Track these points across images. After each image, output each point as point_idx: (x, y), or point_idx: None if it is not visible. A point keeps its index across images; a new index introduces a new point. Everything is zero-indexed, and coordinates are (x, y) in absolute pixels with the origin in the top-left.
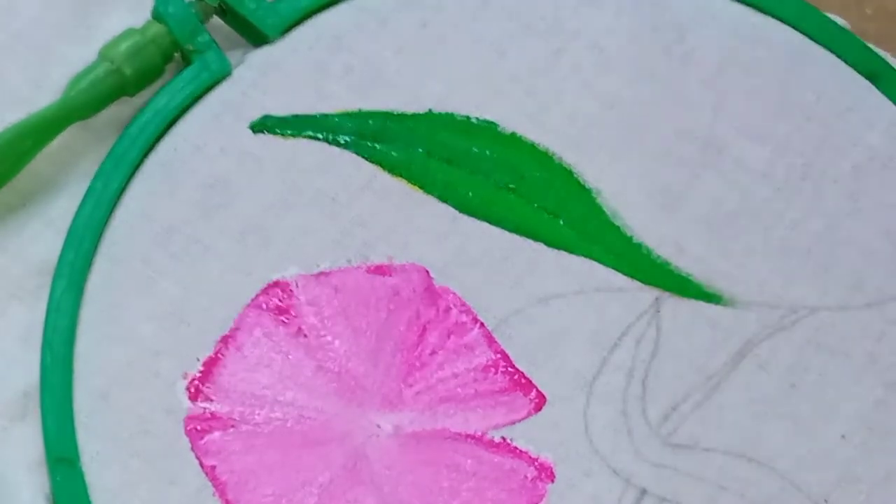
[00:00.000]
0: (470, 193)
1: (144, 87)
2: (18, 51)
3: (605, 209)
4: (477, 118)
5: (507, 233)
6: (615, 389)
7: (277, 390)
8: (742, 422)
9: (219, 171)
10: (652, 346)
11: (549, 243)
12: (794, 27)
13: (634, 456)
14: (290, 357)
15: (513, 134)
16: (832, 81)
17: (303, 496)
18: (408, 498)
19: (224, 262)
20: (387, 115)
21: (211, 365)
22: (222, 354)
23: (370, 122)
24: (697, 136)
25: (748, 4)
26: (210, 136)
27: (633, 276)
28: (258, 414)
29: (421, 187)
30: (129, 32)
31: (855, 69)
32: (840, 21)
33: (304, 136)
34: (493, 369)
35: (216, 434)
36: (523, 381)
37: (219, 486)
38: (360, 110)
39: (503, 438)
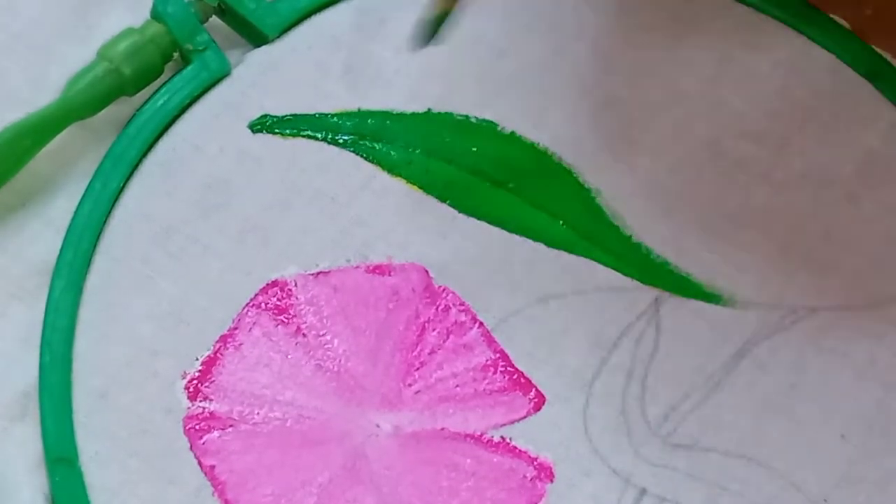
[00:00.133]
0: (469, 193)
1: (143, 86)
2: (18, 50)
3: (604, 209)
4: (476, 118)
5: (506, 232)
6: (615, 389)
7: (276, 390)
8: (742, 422)
9: (218, 170)
10: (651, 346)
11: (548, 243)
12: (793, 28)
13: (634, 456)
14: (289, 356)
15: (512, 133)
16: (832, 81)
17: (302, 496)
18: (407, 497)
19: (223, 262)
20: (386, 115)
21: (210, 364)
22: (221, 354)
23: (369, 121)
24: (697, 136)
25: (748, 5)
26: (209, 135)
27: (632, 276)
28: (257, 413)
29: (420, 187)
30: (128, 32)
31: (855, 69)
32: (840, 21)
33: (304, 136)
34: (492, 369)
35: (215, 433)
36: (523, 380)
37: (218, 486)
38: (359, 110)
39: (502, 438)
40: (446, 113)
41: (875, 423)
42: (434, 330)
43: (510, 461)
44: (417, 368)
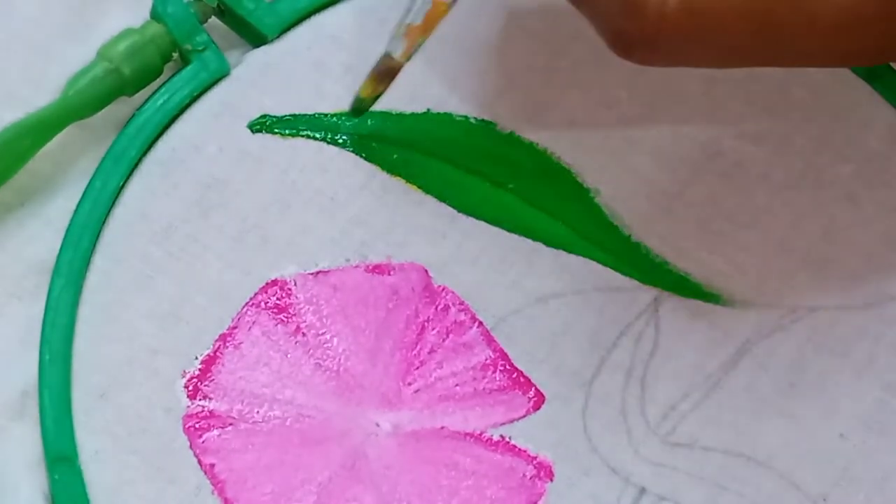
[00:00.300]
0: (468, 193)
1: (143, 86)
2: (17, 50)
3: (603, 209)
4: (475, 118)
5: (505, 232)
6: (614, 389)
7: (276, 389)
8: (741, 421)
9: (217, 170)
10: (651, 346)
11: (547, 243)
12: None
13: (633, 455)
14: (288, 356)
15: (511, 133)
16: (831, 83)
17: (302, 494)
18: (407, 496)
19: (222, 261)
20: (385, 115)
21: (209, 363)
22: (221, 353)
23: (369, 121)
24: (696, 136)
25: None
26: (208, 135)
27: (631, 276)
28: (257, 412)
29: (419, 186)
30: (128, 32)
31: (854, 70)
32: None
33: (303, 136)
34: (491, 368)
35: (215, 432)
36: (522, 379)
37: (217, 484)
38: None
39: (502, 437)
40: (446, 113)
41: (874, 422)
42: (433, 329)
43: (510, 460)
44: (417, 367)
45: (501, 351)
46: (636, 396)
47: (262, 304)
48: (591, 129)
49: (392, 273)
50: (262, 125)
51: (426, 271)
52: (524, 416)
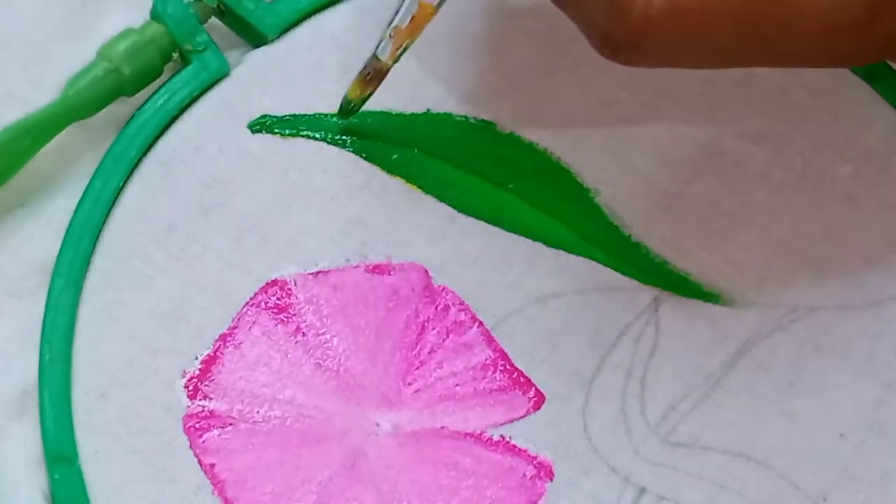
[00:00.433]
0: (468, 193)
1: (143, 86)
2: (17, 50)
3: (603, 209)
4: (475, 118)
5: (505, 232)
6: (614, 388)
7: (276, 389)
8: (741, 421)
9: (217, 170)
10: (651, 346)
11: (547, 243)
12: None
13: (633, 454)
14: (288, 355)
15: (511, 133)
16: (830, 83)
17: (302, 494)
18: (407, 496)
19: (223, 261)
20: (385, 115)
21: (210, 363)
22: (221, 353)
23: (369, 121)
24: (696, 136)
25: None
26: (209, 135)
27: (631, 276)
28: (257, 412)
29: (419, 187)
30: (128, 32)
31: (853, 70)
32: None
33: (303, 136)
34: (491, 368)
35: (215, 432)
36: (522, 379)
37: (217, 484)
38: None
39: (502, 437)
40: (445, 113)
41: (874, 422)
42: (434, 329)
43: (510, 460)
44: (417, 367)
45: (501, 351)
46: (636, 396)
47: (263, 304)
48: (591, 129)
49: (392, 273)
50: (263, 125)
51: (426, 271)
52: (524, 416)
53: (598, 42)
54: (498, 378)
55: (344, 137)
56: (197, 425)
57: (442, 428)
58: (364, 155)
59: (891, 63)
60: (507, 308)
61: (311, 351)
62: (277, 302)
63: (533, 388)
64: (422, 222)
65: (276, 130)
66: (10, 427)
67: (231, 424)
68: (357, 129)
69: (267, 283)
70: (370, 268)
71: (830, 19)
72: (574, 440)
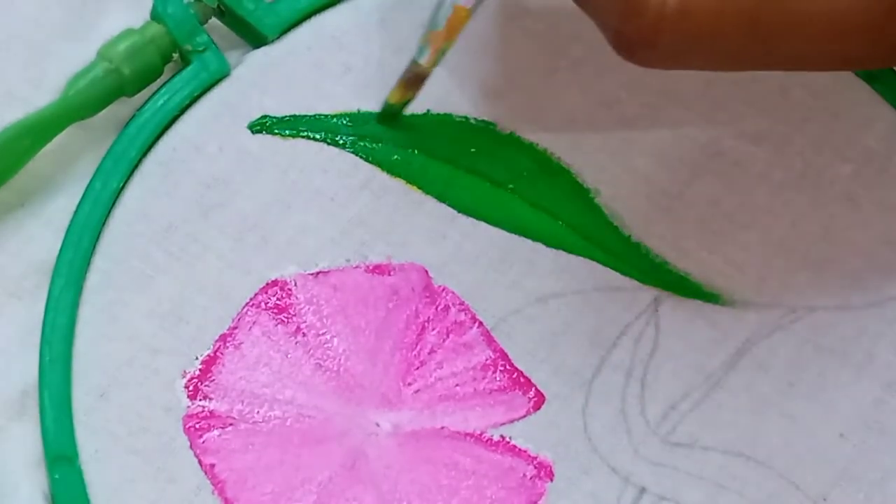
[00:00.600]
0: (468, 193)
1: (143, 87)
2: (17, 50)
3: (603, 209)
4: (475, 118)
5: (505, 232)
6: (614, 388)
7: (276, 389)
8: (741, 421)
9: (217, 170)
10: (651, 346)
11: (547, 243)
12: None
13: (633, 454)
14: (288, 356)
15: (511, 134)
16: (830, 83)
17: (302, 494)
18: (407, 496)
19: (223, 261)
20: None
21: (210, 363)
22: (221, 353)
23: (369, 122)
24: (696, 136)
25: None
26: (209, 135)
27: (631, 276)
28: (257, 412)
29: (419, 187)
30: (128, 32)
31: (853, 71)
32: None
33: (303, 136)
34: (491, 368)
35: (215, 432)
36: (522, 379)
37: (217, 484)
38: (358, 111)
39: (502, 437)
40: (445, 114)
41: (874, 421)
42: (434, 329)
43: (510, 460)
44: (417, 367)
45: (501, 351)
46: (636, 396)
47: (263, 305)
48: (591, 129)
49: (392, 273)
50: (263, 126)
51: (426, 271)
52: (524, 416)
53: (614, 40)
54: (498, 378)
55: (344, 138)
56: (197, 425)
57: (442, 428)
58: (364, 155)
59: None
60: (507, 308)
61: (312, 351)
62: (277, 302)
63: (533, 388)
64: (422, 222)
65: (277, 131)
66: (10, 427)
67: (231, 424)
68: (357, 129)
69: (267, 284)
70: (370, 268)
71: (844, 22)
72: (574, 440)
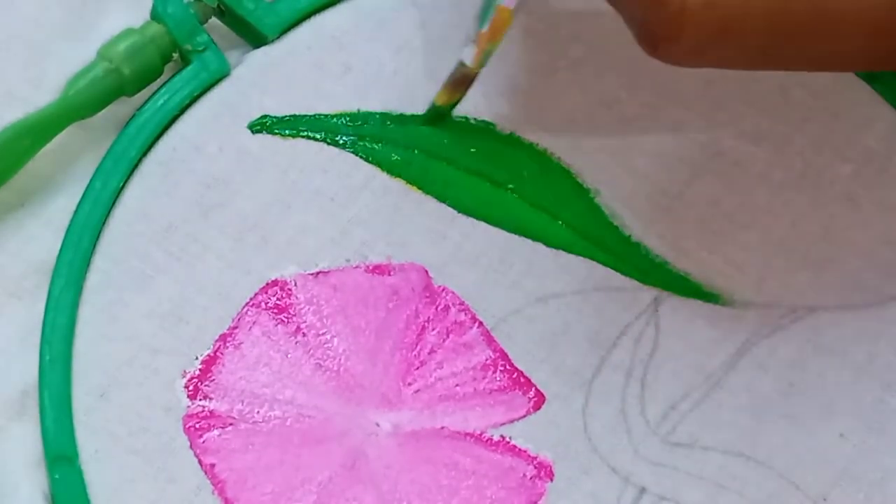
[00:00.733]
0: (468, 193)
1: (143, 87)
2: (16, 50)
3: (603, 209)
4: (475, 118)
5: (505, 232)
6: (614, 388)
7: (276, 389)
8: (741, 421)
9: (217, 170)
10: (651, 346)
11: (547, 243)
12: None
13: (633, 454)
14: (288, 356)
15: (511, 134)
16: (830, 83)
17: (302, 494)
18: (407, 496)
19: (223, 261)
20: (385, 116)
21: (210, 363)
22: (221, 353)
23: (369, 122)
24: (696, 136)
25: None
26: (209, 135)
27: (631, 276)
28: (257, 412)
29: (419, 187)
30: (128, 32)
31: (870, 71)
32: None
33: (303, 136)
34: (492, 368)
35: (215, 432)
36: (522, 379)
37: (218, 484)
38: (358, 111)
39: (502, 437)
40: None
41: (874, 421)
42: (434, 329)
43: (510, 460)
44: (417, 368)
45: (501, 351)
46: (636, 396)
47: (263, 305)
48: (591, 129)
49: (392, 273)
50: (263, 125)
51: (426, 271)
52: (524, 416)
53: (639, 34)
54: (498, 378)
55: (344, 138)
56: (197, 425)
57: (442, 428)
58: (364, 155)
59: None
60: (507, 308)
61: (312, 351)
62: (277, 302)
63: (533, 388)
64: (422, 222)
65: (277, 131)
66: (10, 427)
67: (231, 424)
68: (357, 129)
69: (267, 284)
70: (370, 268)
71: (875, 20)
72: (574, 440)
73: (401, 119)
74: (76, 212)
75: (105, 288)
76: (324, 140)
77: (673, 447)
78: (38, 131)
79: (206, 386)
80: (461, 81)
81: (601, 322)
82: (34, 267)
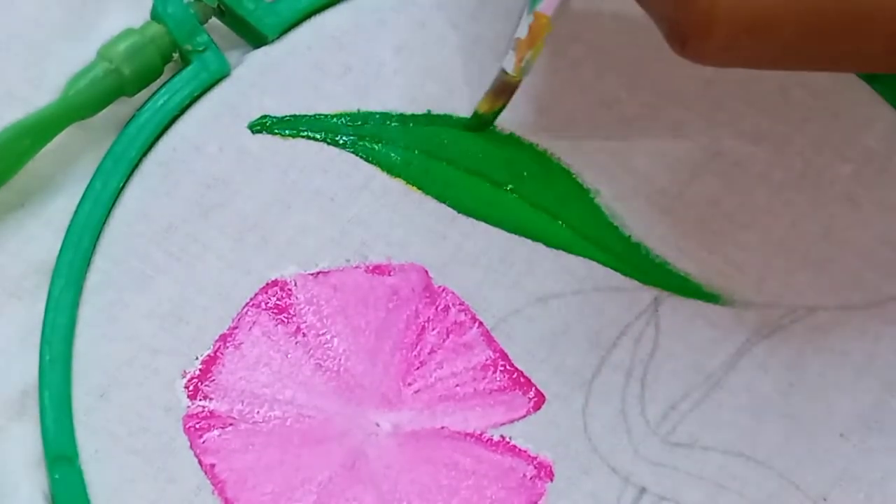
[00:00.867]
0: (468, 193)
1: (143, 87)
2: (17, 50)
3: (603, 209)
4: None
5: (505, 233)
6: (614, 388)
7: (276, 389)
8: (741, 421)
9: (217, 170)
10: (651, 346)
11: (547, 243)
12: None
13: (633, 454)
14: (288, 356)
15: (511, 134)
16: (830, 83)
17: (302, 494)
18: (407, 496)
19: (223, 261)
20: (385, 116)
21: (210, 363)
22: (221, 353)
23: (369, 122)
24: (696, 136)
25: None
26: (209, 135)
27: (631, 276)
28: (257, 412)
29: (419, 187)
30: (128, 32)
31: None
32: None
33: (303, 137)
34: (492, 368)
35: (215, 432)
36: (522, 379)
37: (218, 484)
38: (358, 111)
39: (502, 437)
40: (446, 114)
41: (874, 421)
42: (434, 329)
43: (510, 460)
44: (417, 368)
45: (501, 351)
46: (636, 396)
47: (263, 305)
48: (591, 129)
49: (392, 273)
50: (263, 126)
51: (426, 272)
52: (524, 416)
53: (668, 32)
54: (498, 378)
55: (344, 138)
56: (197, 425)
57: (442, 428)
58: (364, 156)
59: None
60: (507, 308)
61: (312, 351)
62: (277, 302)
63: (533, 389)
64: (422, 222)
65: (277, 131)
66: (10, 427)
67: (231, 425)
68: (357, 129)
69: (267, 284)
70: (370, 268)
71: None
72: (574, 440)
73: (401, 119)
74: (76, 212)
75: (105, 288)
76: (324, 140)
77: (673, 447)
78: (38, 131)
79: (206, 386)
80: (503, 89)
81: (601, 322)
82: (34, 267)
